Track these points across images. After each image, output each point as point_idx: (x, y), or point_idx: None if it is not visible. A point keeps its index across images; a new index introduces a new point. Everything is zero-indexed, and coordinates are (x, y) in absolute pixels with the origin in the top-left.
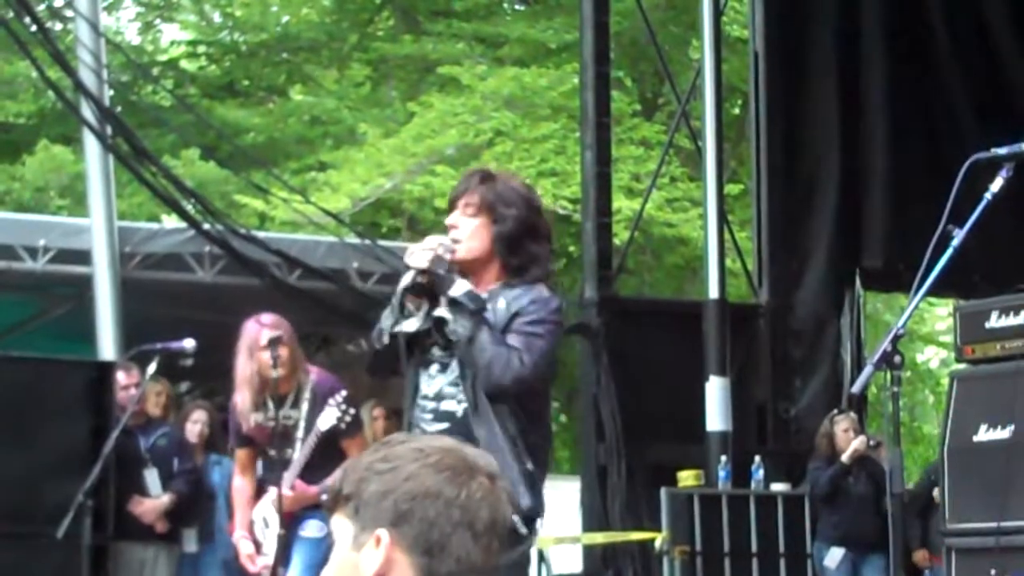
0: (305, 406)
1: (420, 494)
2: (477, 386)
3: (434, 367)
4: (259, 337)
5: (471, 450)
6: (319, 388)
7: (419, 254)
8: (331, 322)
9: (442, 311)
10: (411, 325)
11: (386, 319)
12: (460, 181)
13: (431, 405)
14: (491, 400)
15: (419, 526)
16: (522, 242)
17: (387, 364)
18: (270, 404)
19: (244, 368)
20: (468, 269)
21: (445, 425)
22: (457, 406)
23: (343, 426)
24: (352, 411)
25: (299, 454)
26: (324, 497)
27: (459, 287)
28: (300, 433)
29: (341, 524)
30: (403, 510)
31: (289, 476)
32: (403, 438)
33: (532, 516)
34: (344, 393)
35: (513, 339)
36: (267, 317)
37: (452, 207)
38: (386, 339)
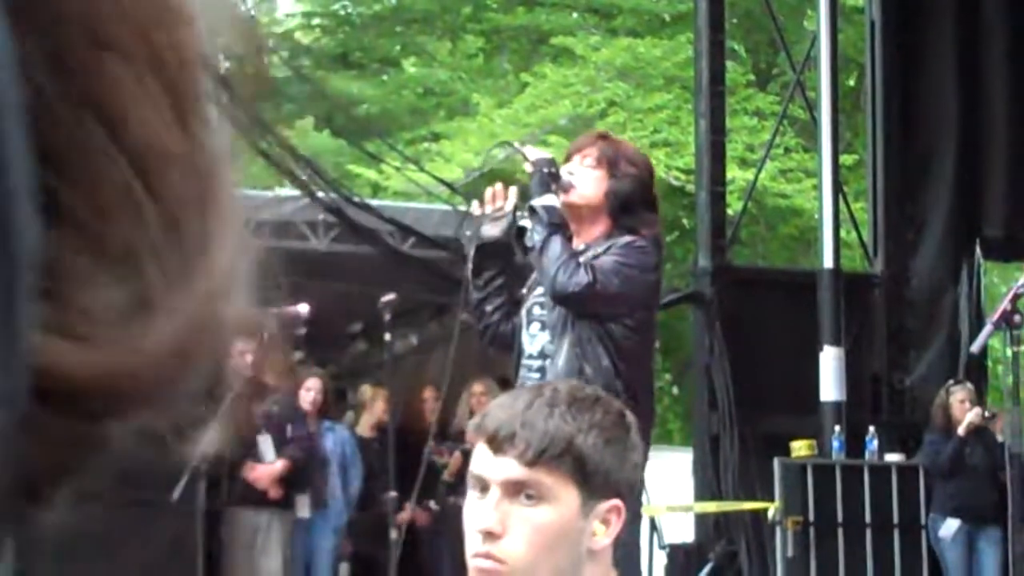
0: None
1: (640, 465)
2: (563, 321)
3: (535, 326)
4: None
5: None
6: None
7: (535, 153)
8: (445, 290)
9: (524, 220)
10: (492, 231)
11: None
12: (580, 138)
13: (536, 363)
14: (575, 320)
15: (636, 496)
16: (636, 205)
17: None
18: None
19: None
20: (576, 217)
21: None
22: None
23: None
24: None
25: None
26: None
27: (544, 200)
28: None
29: (555, 484)
30: (632, 482)
31: None
32: (602, 395)
33: None
34: None
35: (595, 262)
36: None
37: (568, 159)
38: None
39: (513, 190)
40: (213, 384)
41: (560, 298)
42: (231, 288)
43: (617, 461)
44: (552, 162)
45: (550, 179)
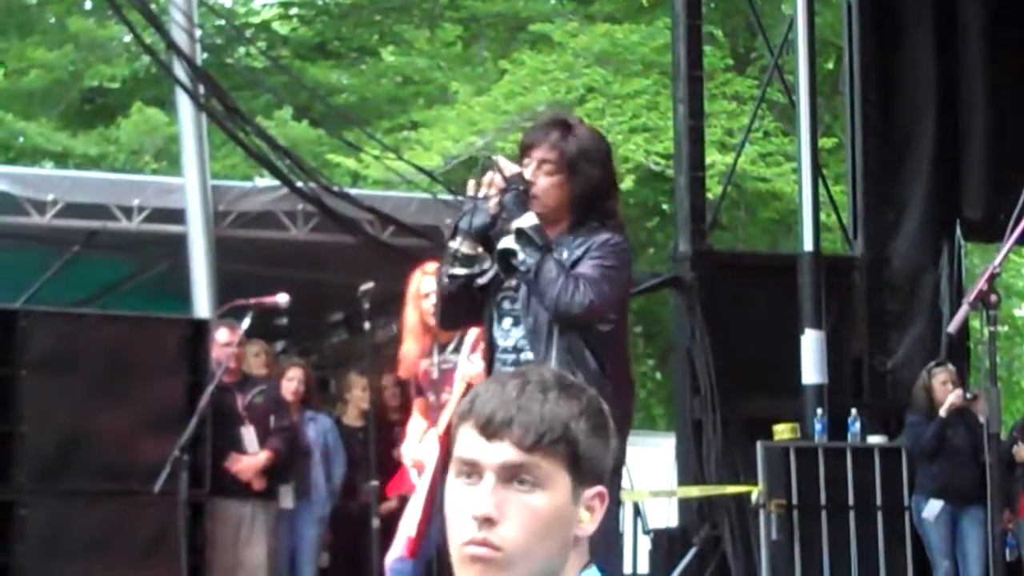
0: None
1: (615, 453)
2: (548, 329)
3: (507, 320)
4: (421, 285)
5: None
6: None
7: (509, 167)
8: None
9: (508, 242)
10: (480, 265)
11: (449, 266)
12: (535, 128)
13: (511, 358)
14: (562, 328)
15: (615, 482)
16: (601, 200)
17: (454, 315)
18: (435, 351)
19: (410, 317)
20: (540, 219)
21: None
22: (535, 357)
23: None
24: None
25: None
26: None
27: (527, 219)
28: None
29: (551, 470)
30: (610, 469)
31: (443, 420)
32: (582, 383)
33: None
34: None
35: (582, 272)
36: (430, 266)
37: (525, 153)
38: (447, 282)
39: (498, 177)
40: None
41: (564, 320)
42: None
43: (602, 448)
44: (524, 178)
45: (526, 196)
